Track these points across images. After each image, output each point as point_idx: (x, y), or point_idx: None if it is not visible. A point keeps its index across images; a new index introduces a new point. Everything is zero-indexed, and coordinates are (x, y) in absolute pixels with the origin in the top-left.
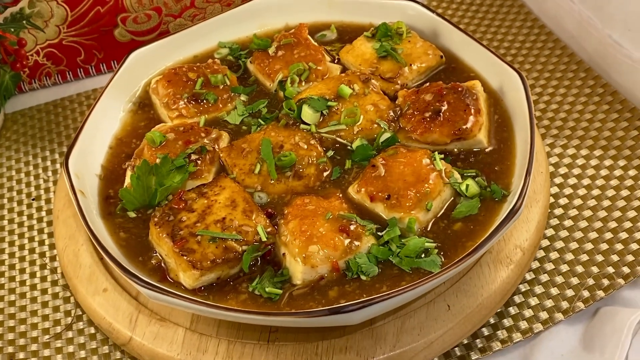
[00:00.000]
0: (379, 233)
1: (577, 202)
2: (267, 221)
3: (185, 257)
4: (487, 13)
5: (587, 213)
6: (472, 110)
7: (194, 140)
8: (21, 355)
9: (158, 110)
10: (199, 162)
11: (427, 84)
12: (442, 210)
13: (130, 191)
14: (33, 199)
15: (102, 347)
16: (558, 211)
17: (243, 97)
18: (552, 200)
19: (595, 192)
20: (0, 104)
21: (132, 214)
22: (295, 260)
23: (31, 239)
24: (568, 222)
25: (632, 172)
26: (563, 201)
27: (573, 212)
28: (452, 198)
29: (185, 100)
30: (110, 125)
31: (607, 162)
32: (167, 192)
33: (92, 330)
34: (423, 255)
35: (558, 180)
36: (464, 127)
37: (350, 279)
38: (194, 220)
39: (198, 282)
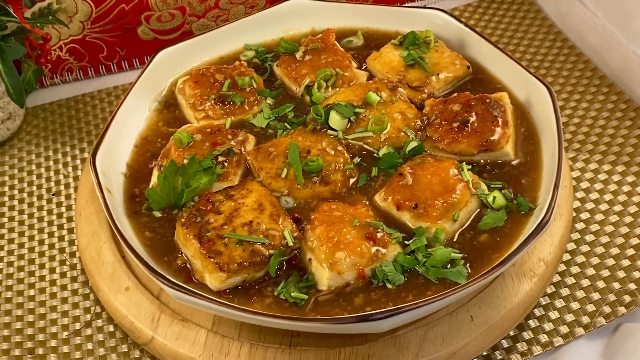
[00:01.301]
0: (405, 242)
1: (599, 217)
2: (294, 226)
3: (212, 259)
4: (509, 24)
5: (609, 228)
6: (500, 122)
7: (221, 142)
8: (40, 350)
9: (184, 110)
10: (225, 164)
11: (455, 94)
12: (469, 222)
13: (157, 191)
14: (53, 194)
15: (121, 345)
16: (579, 225)
17: (269, 101)
18: (573, 214)
19: (617, 207)
20: (23, 97)
21: (157, 214)
22: (321, 266)
23: (51, 235)
24: (589, 237)
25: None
26: (584, 216)
27: (595, 227)
28: (479, 209)
29: (212, 101)
30: (135, 123)
31: (630, 178)
32: (193, 193)
33: (111, 328)
34: (449, 266)
35: (580, 194)
36: (492, 138)
37: (376, 287)
38: (222, 222)
39: (224, 285)
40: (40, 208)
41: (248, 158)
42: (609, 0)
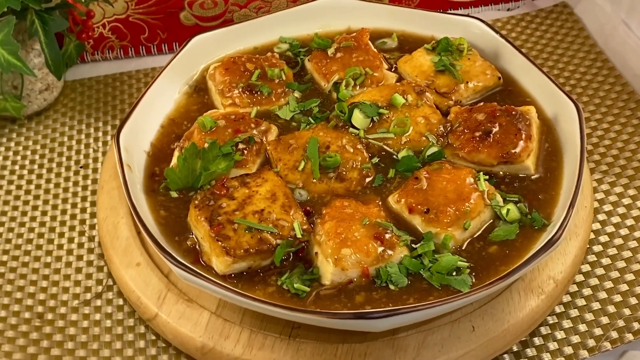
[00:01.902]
0: (413, 245)
1: (618, 241)
2: (304, 218)
3: (220, 243)
4: (551, 40)
5: (627, 254)
6: (523, 136)
7: (244, 130)
8: (49, 316)
9: (213, 96)
10: (245, 151)
11: (481, 103)
12: (480, 232)
13: (176, 171)
14: (81, 167)
15: (128, 319)
16: (597, 248)
17: (297, 94)
18: (592, 236)
19: (638, 233)
20: (61, 70)
21: (174, 194)
22: (326, 260)
23: (74, 205)
24: (606, 260)
25: None
26: (604, 239)
27: (612, 251)
28: (492, 220)
29: (240, 89)
30: (164, 104)
31: None
32: (211, 176)
33: (121, 302)
34: (454, 274)
35: (601, 216)
36: (513, 151)
37: (378, 287)
38: (234, 208)
39: (229, 269)
40: (67, 179)
41: (268, 148)
42: None
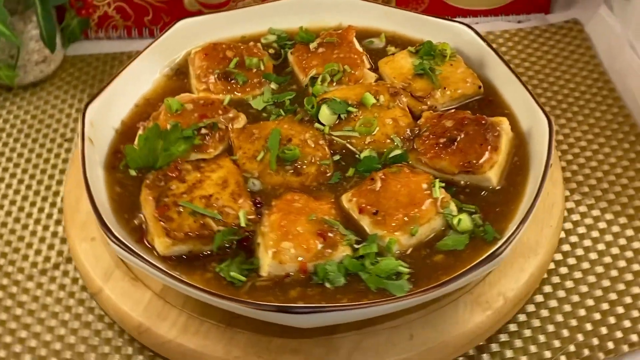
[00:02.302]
0: (357, 246)
1: (585, 265)
2: (252, 208)
3: (162, 224)
4: (556, 56)
5: (591, 279)
6: (489, 147)
7: (210, 116)
8: (4, 281)
9: (191, 80)
10: (207, 137)
11: (453, 110)
12: (428, 239)
13: (136, 150)
14: (66, 140)
15: (81, 293)
16: (563, 270)
17: (273, 86)
18: (560, 257)
19: (607, 259)
20: (55, 43)
21: (133, 172)
22: (266, 252)
23: (51, 177)
24: (569, 284)
25: (637, 223)
26: (572, 261)
27: (577, 275)
28: (443, 229)
29: (216, 76)
30: (142, 84)
31: (629, 232)
32: (169, 158)
33: (77, 275)
34: (394, 278)
35: (574, 238)
36: (474, 161)
37: (314, 284)
38: (182, 191)
39: (169, 251)
40: (49, 150)
41: (231, 135)
42: None
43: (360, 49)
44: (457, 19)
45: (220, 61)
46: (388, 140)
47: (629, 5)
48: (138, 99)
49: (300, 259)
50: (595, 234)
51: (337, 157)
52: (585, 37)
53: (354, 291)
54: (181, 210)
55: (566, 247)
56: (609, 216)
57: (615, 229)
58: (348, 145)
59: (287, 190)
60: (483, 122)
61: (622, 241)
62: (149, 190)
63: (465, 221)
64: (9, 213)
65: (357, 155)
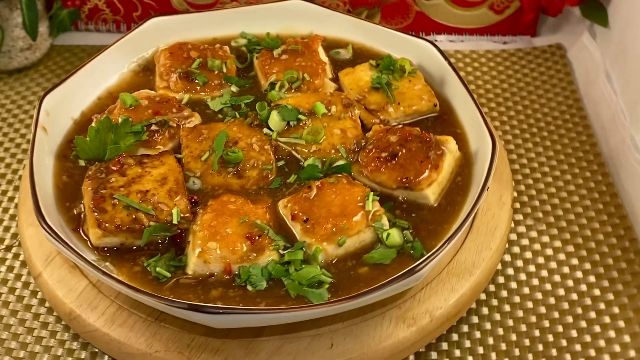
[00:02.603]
0: (283, 252)
1: (525, 290)
2: (188, 207)
3: (95, 214)
4: (535, 79)
5: (529, 304)
6: (429, 165)
7: (164, 113)
8: None
9: (155, 77)
10: (157, 134)
11: (401, 125)
12: (357, 251)
13: (87, 141)
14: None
15: (28, 277)
16: (503, 293)
17: (234, 88)
18: (502, 280)
19: (547, 286)
20: (37, 31)
21: (82, 163)
22: (193, 251)
23: (20, 161)
24: (507, 307)
25: (591, 278)
26: (513, 285)
27: (516, 299)
28: (374, 242)
29: (178, 75)
30: (107, 77)
31: (574, 261)
32: (117, 152)
33: None
34: (316, 286)
35: (519, 263)
36: (413, 178)
37: (237, 286)
38: (121, 184)
39: (100, 242)
40: (23, 135)
41: (181, 134)
42: (629, 77)
43: (325, 59)
44: (424, 37)
45: (184, 61)
46: (333, 151)
47: (610, 33)
48: (101, 92)
49: (225, 259)
50: (540, 260)
51: (281, 163)
52: (566, 62)
53: (274, 296)
54: (116, 202)
55: (510, 271)
56: (557, 243)
57: (561, 257)
58: (293, 152)
59: (227, 192)
60: (427, 139)
61: (565, 269)
62: (90, 180)
63: (394, 236)
64: None
65: (301, 163)
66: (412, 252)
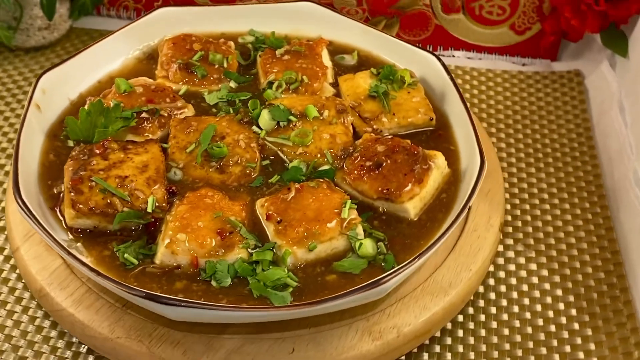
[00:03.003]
0: (251, 251)
1: (504, 317)
2: (165, 197)
3: (71, 195)
4: (549, 104)
5: (505, 332)
6: (413, 179)
7: (157, 102)
8: None
9: (158, 66)
10: (147, 121)
11: (390, 136)
12: (328, 257)
13: (77, 123)
14: None
15: (11, 251)
16: (481, 317)
17: (233, 84)
18: (482, 304)
19: (527, 315)
20: (53, 11)
21: (71, 143)
22: (162, 240)
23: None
24: (482, 332)
25: (572, 311)
26: (492, 310)
27: (493, 324)
28: (346, 250)
29: (178, 65)
30: (110, 62)
31: (558, 292)
32: (104, 135)
33: None
34: (280, 288)
35: (502, 288)
36: (393, 189)
37: (202, 280)
38: (101, 167)
39: (74, 222)
40: None
41: (171, 123)
42: None
43: (328, 63)
44: (441, 51)
45: (186, 52)
46: (320, 155)
47: (628, 63)
48: (103, 76)
49: (192, 253)
50: (524, 287)
51: (266, 162)
52: (582, 89)
53: (237, 294)
54: (93, 185)
55: (492, 295)
56: (543, 272)
57: (546, 286)
58: (279, 152)
59: (206, 186)
60: (415, 152)
61: (548, 299)
62: (72, 161)
63: (366, 246)
64: None
65: (286, 164)
66: (383, 264)
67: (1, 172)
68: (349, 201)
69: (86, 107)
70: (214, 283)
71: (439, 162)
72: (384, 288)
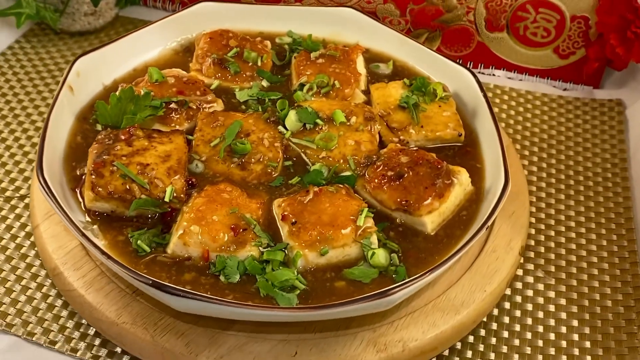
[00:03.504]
0: (262, 249)
1: (515, 342)
2: (184, 188)
3: (92, 177)
4: (586, 131)
5: (516, 357)
6: (433, 192)
7: (187, 94)
8: None
9: (193, 59)
10: (175, 112)
11: (416, 148)
12: (339, 263)
13: (107, 107)
14: None
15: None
16: (492, 340)
17: (265, 83)
18: (495, 327)
19: (539, 343)
20: (97, 1)
21: (99, 127)
22: (176, 231)
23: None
24: (491, 355)
25: (586, 344)
26: (504, 334)
27: (503, 349)
28: (358, 258)
29: (212, 60)
30: (147, 51)
31: (574, 323)
32: (132, 122)
33: None
34: (288, 290)
35: (517, 313)
36: (412, 202)
37: (210, 274)
38: (124, 153)
39: (92, 205)
40: None
41: (199, 116)
42: None
43: (362, 70)
44: (481, 69)
45: (222, 48)
46: (342, 160)
47: None
48: (139, 64)
49: (204, 246)
50: (540, 314)
51: (288, 163)
52: (622, 119)
53: (244, 291)
54: (115, 170)
55: (505, 319)
56: (561, 301)
57: (562, 315)
58: (302, 154)
59: (226, 181)
60: (439, 166)
61: (563, 329)
62: (97, 144)
63: (379, 256)
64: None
65: (307, 167)
66: (394, 276)
67: (32, 150)
68: (366, 209)
69: (117, 93)
70: (222, 278)
71: (462, 179)
72: (391, 299)
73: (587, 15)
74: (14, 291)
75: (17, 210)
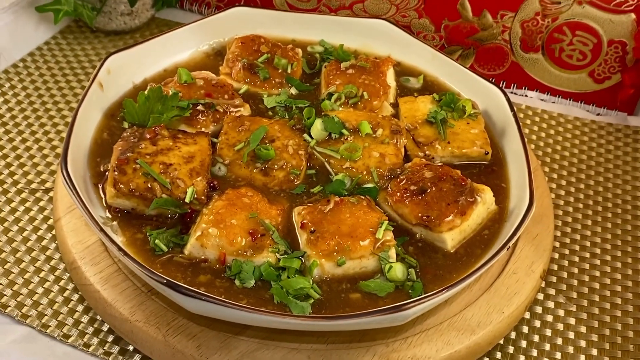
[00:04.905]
0: (279, 256)
1: None
2: (205, 190)
3: (115, 173)
4: (617, 158)
5: None
6: (455, 209)
7: (215, 97)
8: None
9: (223, 62)
10: (201, 115)
11: (441, 164)
12: (356, 275)
13: (135, 106)
14: None
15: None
16: None
17: (293, 90)
18: (512, 350)
19: (558, 355)
20: (134, 1)
21: (126, 125)
22: (194, 232)
23: None
24: None
25: (606, 346)
26: (521, 359)
27: None
28: (375, 271)
29: (242, 64)
30: (179, 52)
31: (593, 351)
32: (158, 121)
33: None
34: (302, 298)
35: (535, 338)
36: (433, 218)
37: (226, 277)
38: (148, 152)
39: (113, 201)
40: None
41: (225, 120)
42: None
43: (392, 83)
44: (514, 89)
45: (253, 53)
46: (365, 172)
47: None
48: (169, 65)
49: (221, 249)
50: (559, 341)
51: (311, 172)
52: None
53: (258, 297)
54: (138, 167)
55: (523, 344)
56: (582, 329)
57: (582, 343)
58: (326, 164)
59: (248, 185)
60: (463, 183)
61: (581, 358)
62: (122, 141)
63: (396, 270)
64: (21, 132)
65: (330, 176)
66: (410, 291)
67: (60, 144)
68: (386, 222)
69: (146, 92)
70: (237, 282)
71: (486, 197)
72: (405, 315)
73: (624, 40)
74: (32, 282)
75: (42, 203)
